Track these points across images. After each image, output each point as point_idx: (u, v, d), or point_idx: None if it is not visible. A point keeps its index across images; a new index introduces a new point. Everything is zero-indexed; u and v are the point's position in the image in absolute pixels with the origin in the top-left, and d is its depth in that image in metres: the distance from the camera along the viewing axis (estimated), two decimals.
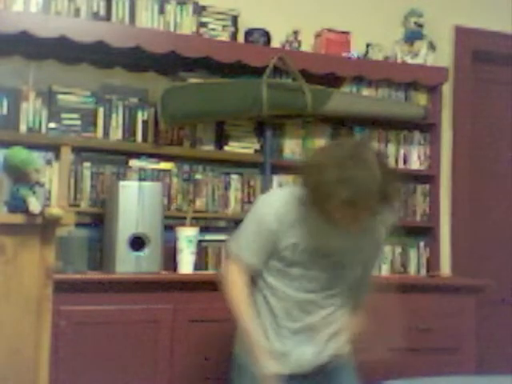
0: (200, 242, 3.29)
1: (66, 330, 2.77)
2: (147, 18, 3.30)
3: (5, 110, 3.10)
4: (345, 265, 2.20)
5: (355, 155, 1.96)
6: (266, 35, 3.48)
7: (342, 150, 2.00)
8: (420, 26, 3.81)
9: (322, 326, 2.20)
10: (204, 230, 3.33)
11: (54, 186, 3.14)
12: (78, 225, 3.02)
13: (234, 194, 3.46)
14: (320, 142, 3.61)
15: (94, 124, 3.24)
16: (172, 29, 3.34)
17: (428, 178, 3.83)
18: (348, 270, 2.22)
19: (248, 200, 3.45)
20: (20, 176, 2.24)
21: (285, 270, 2.18)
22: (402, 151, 3.78)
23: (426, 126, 3.82)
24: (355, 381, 2.32)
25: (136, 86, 3.36)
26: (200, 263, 3.29)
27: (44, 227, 2.22)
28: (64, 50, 3.22)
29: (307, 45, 3.64)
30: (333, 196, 1.94)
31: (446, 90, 3.93)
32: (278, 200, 2.18)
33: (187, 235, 3.19)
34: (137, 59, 3.35)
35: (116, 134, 3.27)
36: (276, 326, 2.21)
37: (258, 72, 3.36)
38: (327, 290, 2.20)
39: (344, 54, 3.60)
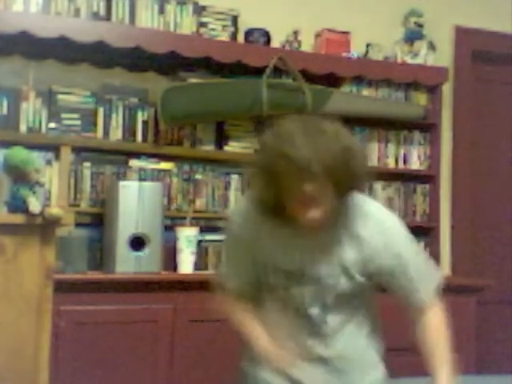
0: (200, 241, 3.29)
1: (66, 330, 2.77)
2: (147, 18, 3.30)
3: (5, 110, 3.10)
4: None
5: (306, 125, 1.71)
6: (266, 35, 3.48)
7: (290, 124, 1.73)
8: (420, 25, 3.81)
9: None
10: (204, 229, 3.33)
11: (54, 186, 3.14)
12: (78, 225, 3.01)
13: (234, 194, 3.46)
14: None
15: (94, 124, 3.24)
16: (172, 29, 3.34)
17: (428, 177, 3.84)
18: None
19: None
20: (20, 176, 2.23)
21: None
22: (402, 151, 3.78)
23: (426, 126, 3.82)
24: None
25: (136, 85, 3.36)
26: (200, 263, 3.29)
27: (44, 227, 2.22)
28: (64, 50, 3.22)
29: (307, 45, 3.64)
30: (277, 168, 1.66)
31: (446, 90, 3.93)
32: (239, 209, 2.00)
33: (187, 235, 3.19)
34: (137, 59, 3.35)
35: (116, 134, 3.27)
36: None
37: (258, 72, 3.36)
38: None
39: (344, 54, 3.60)
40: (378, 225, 1.83)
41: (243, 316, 1.94)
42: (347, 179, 1.68)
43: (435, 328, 1.85)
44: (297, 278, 1.84)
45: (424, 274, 1.87)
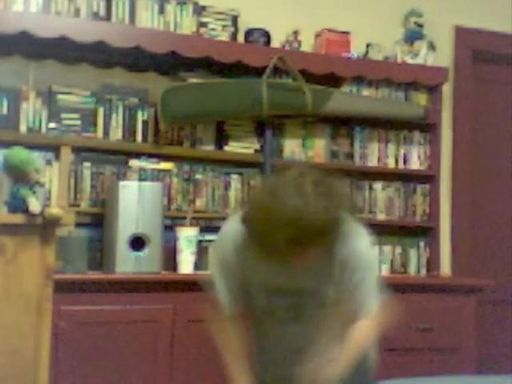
0: (200, 241, 3.29)
1: (66, 330, 2.77)
2: (147, 18, 3.30)
3: (5, 110, 3.10)
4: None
5: (289, 190, 1.70)
6: (266, 35, 3.48)
7: (276, 187, 1.74)
8: (420, 26, 3.81)
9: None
10: (204, 229, 3.33)
11: (54, 186, 3.14)
12: (78, 225, 3.02)
13: (234, 194, 3.46)
14: (320, 142, 3.61)
15: (94, 124, 3.24)
16: (172, 29, 3.34)
17: (428, 177, 3.83)
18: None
19: None
20: (20, 176, 2.23)
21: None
22: (402, 151, 3.78)
23: (426, 126, 3.82)
24: None
25: (136, 85, 3.36)
26: (200, 263, 3.29)
27: (44, 227, 2.22)
28: (64, 50, 3.22)
29: (307, 45, 3.64)
30: (270, 240, 1.70)
31: (446, 89, 3.93)
32: (229, 231, 1.96)
33: (187, 235, 3.19)
34: (137, 59, 3.35)
35: (116, 134, 3.27)
36: None
37: (258, 72, 3.37)
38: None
39: (344, 54, 3.60)
40: (357, 255, 1.93)
41: (231, 350, 2.02)
42: (334, 238, 1.77)
43: (357, 331, 1.95)
44: (281, 295, 1.92)
45: (371, 297, 1.99)
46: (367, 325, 1.97)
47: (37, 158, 2.68)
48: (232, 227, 1.94)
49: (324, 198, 1.71)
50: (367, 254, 1.97)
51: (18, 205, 2.20)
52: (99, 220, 3.17)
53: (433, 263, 3.78)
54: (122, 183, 3.04)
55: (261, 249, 1.79)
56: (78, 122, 3.21)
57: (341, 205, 1.77)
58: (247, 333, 2.03)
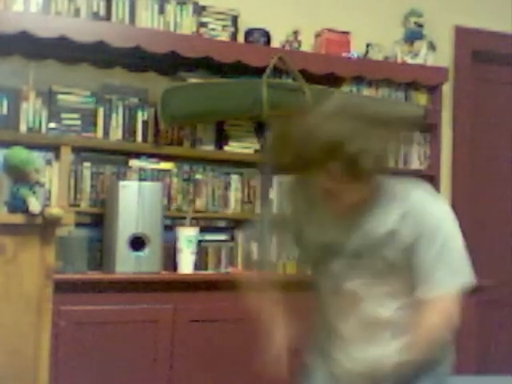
0: (200, 241, 3.29)
1: (66, 330, 2.77)
2: (147, 18, 3.30)
3: (5, 110, 3.10)
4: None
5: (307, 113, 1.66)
6: (266, 35, 3.48)
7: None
8: (420, 25, 3.81)
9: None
10: (204, 229, 3.33)
11: (54, 186, 3.14)
12: (78, 225, 3.02)
13: (234, 194, 3.45)
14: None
15: (94, 124, 3.24)
16: (172, 29, 3.34)
17: (428, 177, 3.82)
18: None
19: (248, 200, 3.45)
20: (20, 176, 2.24)
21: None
22: (401, 151, 3.78)
23: (426, 126, 3.82)
24: None
25: (136, 85, 3.36)
26: (200, 263, 3.29)
27: (44, 227, 2.22)
28: (64, 50, 3.22)
29: (307, 45, 3.64)
30: (277, 162, 1.70)
31: (446, 89, 3.93)
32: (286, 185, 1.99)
33: (187, 235, 3.19)
34: (137, 59, 3.35)
35: (116, 134, 3.27)
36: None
37: (258, 72, 3.36)
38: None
39: (344, 54, 3.60)
40: (426, 211, 1.81)
41: (271, 308, 1.89)
42: (353, 168, 1.63)
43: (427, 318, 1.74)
44: (333, 252, 1.82)
45: (448, 264, 1.78)
46: (438, 311, 1.76)
47: (37, 158, 2.67)
48: (290, 182, 1.91)
49: (343, 120, 1.62)
50: (442, 212, 1.82)
51: (18, 205, 2.20)
52: (99, 220, 3.17)
53: None
54: (121, 183, 3.04)
55: (292, 182, 1.78)
56: (78, 122, 3.21)
57: (363, 135, 1.62)
58: (310, 310, 1.92)
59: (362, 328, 1.83)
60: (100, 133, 3.24)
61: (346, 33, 3.65)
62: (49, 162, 3.15)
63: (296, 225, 1.91)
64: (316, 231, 1.86)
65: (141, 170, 3.28)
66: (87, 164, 3.21)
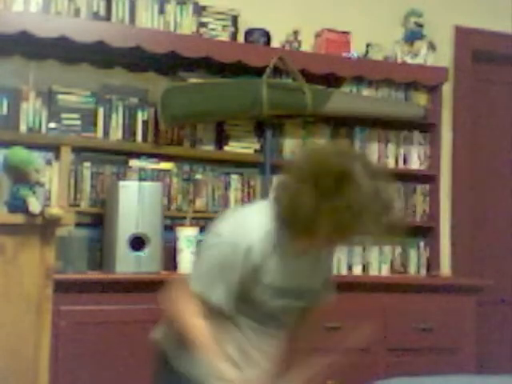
0: (200, 242, 3.29)
1: (66, 330, 2.77)
2: (147, 18, 3.30)
3: (5, 110, 3.10)
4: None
5: (345, 175, 1.57)
6: (266, 35, 3.48)
7: (326, 165, 1.61)
8: (420, 26, 3.81)
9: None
10: (204, 230, 3.32)
11: (53, 186, 3.14)
12: (78, 225, 3.01)
13: (234, 194, 3.45)
14: (320, 142, 3.60)
15: (94, 124, 3.24)
16: (172, 29, 3.34)
17: (428, 177, 3.83)
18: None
19: (248, 200, 3.45)
20: (20, 176, 2.23)
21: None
22: (401, 151, 3.78)
23: (426, 126, 3.82)
24: None
25: (136, 85, 3.36)
26: None
27: (44, 227, 2.22)
28: (64, 50, 3.22)
29: (307, 45, 3.64)
30: (312, 229, 1.60)
31: (446, 90, 3.93)
32: (259, 227, 1.75)
33: (187, 235, 3.19)
34: (137, 59, 3.35)
35: (116, 134, 3.27)
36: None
37: (258, 72, 3.36)
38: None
39: (344, 54, 3.60)
40: None
41: (201, 324, 1.83)
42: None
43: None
44: (286, 295, 1.84)
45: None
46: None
47: (37, 157, 2.67)
48: (260, 222, 1.75)
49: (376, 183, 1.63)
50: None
51: (18, 205, 2.20)
52: (99, 220, 3.17)
53: (433, 263, 3.77)
54: (121, 183, 3.04)
55: (303, 241, 1.71)
56: (78, 122, 3.21)
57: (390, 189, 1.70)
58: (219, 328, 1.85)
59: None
60: (100, 133, 3.24)
61: (346, 33, 3.65)
62: (49, 162, 3.15)
63: (249, 270, 1.77)
64: (279, 277, 1.80)
65: (141, 170, 3.28)
66: (87, 164, 3.21)
